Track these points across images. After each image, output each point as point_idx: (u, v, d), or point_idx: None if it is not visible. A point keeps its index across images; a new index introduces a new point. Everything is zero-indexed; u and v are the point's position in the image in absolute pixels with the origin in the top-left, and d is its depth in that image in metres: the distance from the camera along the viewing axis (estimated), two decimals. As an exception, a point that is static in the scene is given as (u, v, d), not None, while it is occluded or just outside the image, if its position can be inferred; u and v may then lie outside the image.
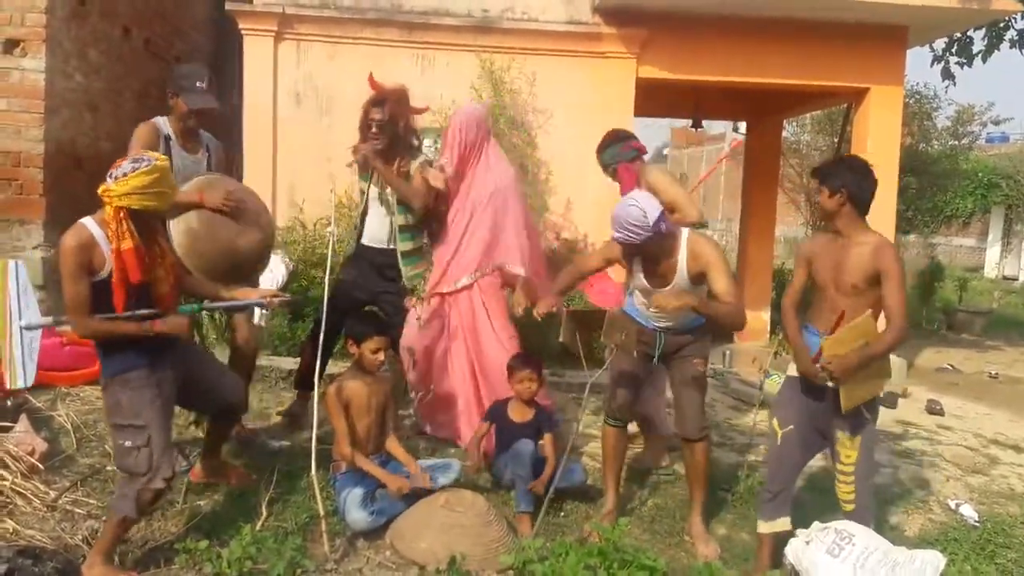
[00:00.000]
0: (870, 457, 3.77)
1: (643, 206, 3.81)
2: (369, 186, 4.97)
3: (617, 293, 4.69)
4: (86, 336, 3.37)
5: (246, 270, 4.43)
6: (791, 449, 3.76)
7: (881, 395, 3.76)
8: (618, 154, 4.98)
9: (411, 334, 4.96)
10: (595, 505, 4.40)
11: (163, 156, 3.39)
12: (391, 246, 4.97)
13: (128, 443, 3.34)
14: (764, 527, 3.82)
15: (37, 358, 3.45)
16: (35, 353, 3.42)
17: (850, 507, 3.70)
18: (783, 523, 3.79)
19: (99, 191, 3.26)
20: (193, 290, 3.78)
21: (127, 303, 3.30)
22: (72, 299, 3.24)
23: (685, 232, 3.98)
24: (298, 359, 5.41)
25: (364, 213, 5.02)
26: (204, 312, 4.11)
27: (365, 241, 5.02)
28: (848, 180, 3.64)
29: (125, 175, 3.22)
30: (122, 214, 3.22)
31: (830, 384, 3.57)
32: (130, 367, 3.37)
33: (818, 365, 3.52)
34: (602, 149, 5.06)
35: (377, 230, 4.99)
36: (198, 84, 4.46)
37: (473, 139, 4.86)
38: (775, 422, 3.79)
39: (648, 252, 3.94)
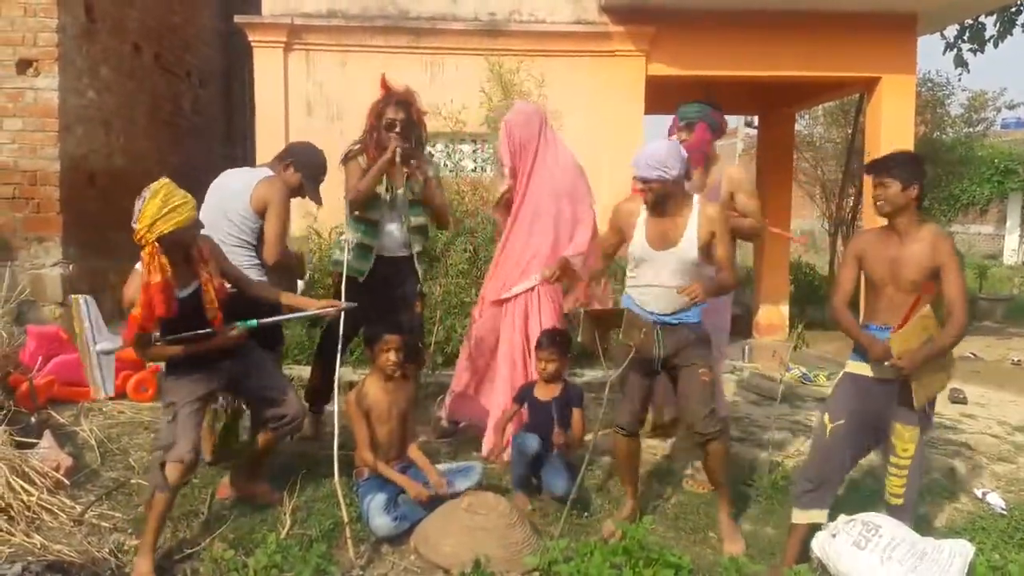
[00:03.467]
0: (923, 452, 3.73)
1: (679, 146, 3.83)
2: (388, 191, 4.74)
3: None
4: (150, 361, 3.80)
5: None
6: (838, 444, 3.70)
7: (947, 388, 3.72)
8: (708, 116, 4.63)
9: (471, 335, 5.05)
10: (619, 505, 4.40)
11: (163, 179, 3.49)
12: (402, 253, 4.84)
13: (167, 419, 3.64)
14: (799, 516, 3.76)
15: (114, 370, 3.95)
16: (112, 369, 3.86)
17: (899, 501, 3.65)
18: (818, 515, 3.72)
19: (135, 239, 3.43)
20: (257, 298, 3.90)
21: (171, 326, 3.53)
22: (132, 335, 3.54)
23: (696, 196, 3.96)
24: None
25: (376, 221, 4.78)
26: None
27: (381, 252, 4.80)
28: (920, 174, 3.55)
29: (140, 211, 3.39)
30: (154, 248, 3.37)
31: (895, 377, 3.53)
32: (181, 364, 3.68)
33: (887, 362, 3.48)
34: (689, 103, 4.73)
35: (390, 239, 4.80)
36: (321, 177, 4.59)
37: (523, 137, 4.74)
38: (825, 416, 3.73)
39: (661, 206, 3.89)
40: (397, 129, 4.66)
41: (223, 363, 3.74)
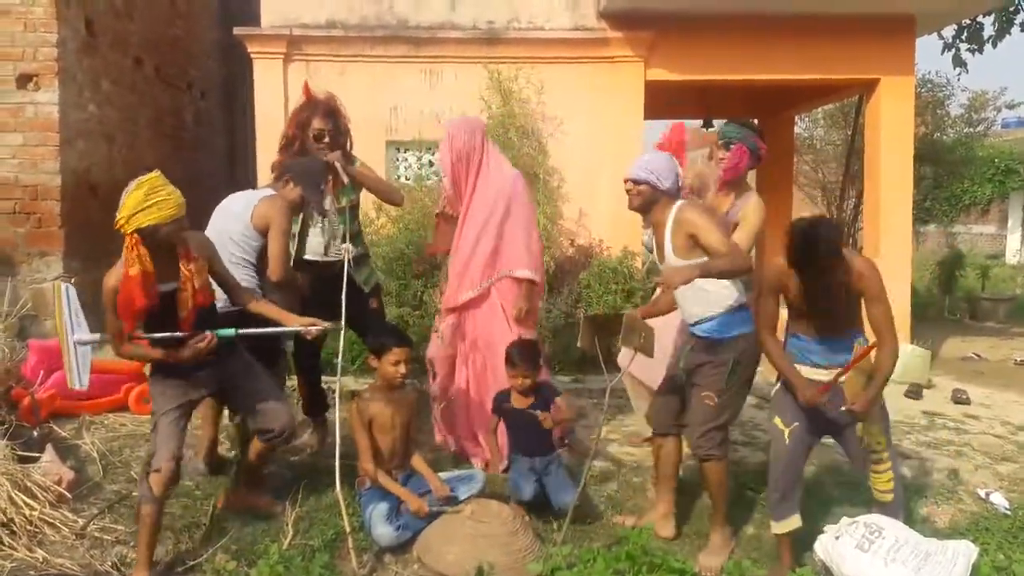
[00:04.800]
0: (892, 441, 3.74)
1: (676, 163, 3.91)
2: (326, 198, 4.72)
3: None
4: (121, 356, 3.66)
5: None
6: (799, 446, 3.69)
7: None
8: (749, 139, 4.51)
9: (434, 347, 4.99)
10: (623, 510, 4.40)
11: (153, 172, 3.47)
12: (331, 257, 4.82)
13: (153, 428, 3.65)
14: (779, 527, 3.74)
15: (89, 358, 3.74)
16: (88, 362, 3.71)
17: (888, 497, 3.64)
18: (795, 520, 3.71)
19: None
20: (243, 305, 3.86)
21: (144, 324, 3.50)
22: (110, 328, 3.53)
23: (677, 203, 3.90)
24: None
25: (305, 228, 4.82)
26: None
27: (310, 256, 4.84)
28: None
29: (122, 202, 3.37)
30: (134, 240, 3.33)
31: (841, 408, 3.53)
32: (162, 366, 3.67)
33: (843, 408, 3.48)
34: (730, 122, 4.66)
35: (319, 243, 4.82)
36: (321, 187, 4.56)
37: (463, 147, 4.72)
38: (778, 421, 3.70)
39: (650, 217, 3.94)
40: (326, 140, 4.65)
41: (206, 370, 3.69)
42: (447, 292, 4.94)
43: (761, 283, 3.76)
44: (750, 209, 4.54)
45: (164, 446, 3.53)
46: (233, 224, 4.32)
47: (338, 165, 4.60)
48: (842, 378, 3.52)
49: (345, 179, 4.64)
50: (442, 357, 4.95)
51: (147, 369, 3.80)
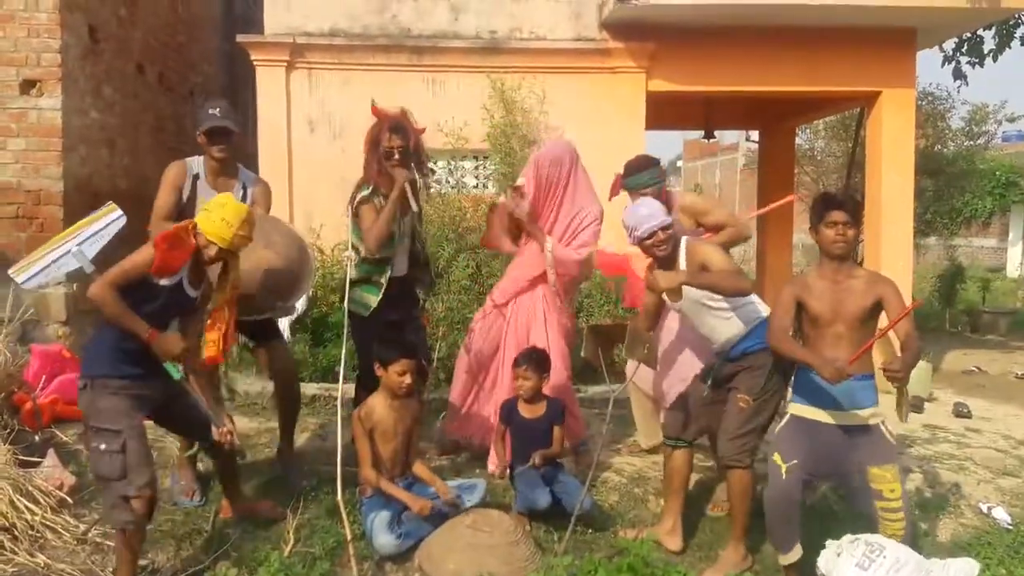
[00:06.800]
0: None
1: (655, 202, 4.01)
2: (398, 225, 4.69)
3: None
4: (98, 299, 3.36)
5: (271, 297, 4.45)
6: (796, 483, 3.66)
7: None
8: (659, 178, 4.72)
9: (470, 344, 5.06)
10: (622, 521, 4.39)
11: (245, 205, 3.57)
12: (407, 273, 4.84)
13: (103, 446, 3.38)
14: (785, 559, 3.73)
15: (49, 279, 3.67)
16: (56, 272, 3.63)
17: (900, 536, 3.58)
18: (798, 550, 3.70)
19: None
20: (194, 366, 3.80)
21: (162, 296, 3.47)
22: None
23: (684, 239, 4.03)
24: (321, 384, 5.42)
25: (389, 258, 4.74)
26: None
27: (395, 273, 4.75)
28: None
29: (208, 207, 3.53)
30: (195, 229, 3.50)
31: (893, 385, 3.56)
32: (113, 374, 3.48)
33: (885, 371, 3.39)
34: (634, 172, 4.73)
35: (400, 263, 4.77)
36: (211, 111, 4.44)
37: (550, 175, 4.84)
38: (777, 456, 3.67)
39: (663, 258, 3.96)
40: (396, 157, 4.55)
41: (153, 383, 3.59)
42: (498, 289, 5.05)
43: (777, 297, 3.80)
44: (693, 203, 4.89)
45: (142, 468, 3.39)
46: None
47: (407, 188, 4.57)
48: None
49: (414, 205, 4.65)
50: (477, 356, 5.01)
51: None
